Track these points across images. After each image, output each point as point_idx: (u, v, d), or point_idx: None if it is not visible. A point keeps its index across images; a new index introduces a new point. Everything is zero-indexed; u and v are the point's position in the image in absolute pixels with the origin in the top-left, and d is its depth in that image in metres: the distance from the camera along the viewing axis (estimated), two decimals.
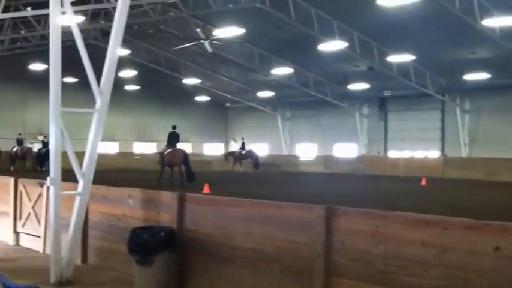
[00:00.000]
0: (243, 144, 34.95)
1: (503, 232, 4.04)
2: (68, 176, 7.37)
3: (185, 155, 20.72)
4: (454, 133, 34.34)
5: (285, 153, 43.42)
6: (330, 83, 36.37)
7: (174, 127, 21.86)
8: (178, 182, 20.05)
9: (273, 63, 33.46)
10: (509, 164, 28.94)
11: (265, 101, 43.71)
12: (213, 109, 47.52)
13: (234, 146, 48.74)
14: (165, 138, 22.15)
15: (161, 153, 21.84)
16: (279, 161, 39.39)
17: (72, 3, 7.31)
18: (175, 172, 20.97)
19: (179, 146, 21.83)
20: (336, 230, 4.95)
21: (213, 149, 48.00)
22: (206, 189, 17.77)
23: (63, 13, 7.17)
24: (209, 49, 26.52)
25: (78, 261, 7.70)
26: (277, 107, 44.37)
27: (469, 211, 13.23)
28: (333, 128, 40.11)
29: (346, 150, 39.90)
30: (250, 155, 34.96)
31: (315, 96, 37.13)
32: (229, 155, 35.12)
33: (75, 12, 9.20)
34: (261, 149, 45.89)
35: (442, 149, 35.37)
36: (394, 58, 28.71)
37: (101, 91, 7.05)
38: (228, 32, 26.81)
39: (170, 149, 21.20)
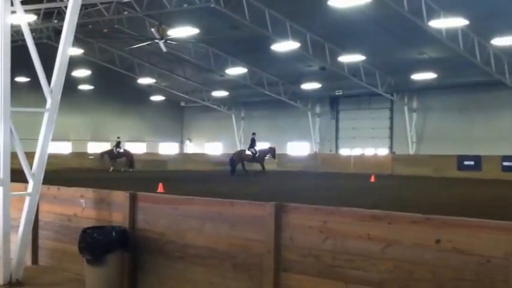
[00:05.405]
0: (119, 143, 34.78)
1: (443, 225, 4.19)
2: (20, 176, 7.27)
3: None
4: (402, 131, 35.22)
5: None
6: (284, 82, 36.70)
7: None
8: None
9: (228, 63, 33.51)
10: (455, 160, 29.97)
11: (220, 101, 43.73)
12: (169, 109, 47.20)
13: (190, 146, 48.60)
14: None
15: None
16: None
17: (23, 2, 7.20)
18: None
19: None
20: (286, 226, 5.04)
21: (168, 149, 47.72)
22: (160, 188, 17.71)
23: (14, 12, 7.05)
24: (164, 49, 26.36)
25: (29, 263, 7.59)
26: (231, 106, 44.45)
27: (415, 206, 13.66)
28: (286, 127, 40.50)
29: (299, 149, 40.35)
30: (125, 154, 34.84)
31: (269, 95, 37.39)
32: (105, 153, 34.83)
33: (27, 11, 9.03)
34: (215, 148, 45.97)
35: (391, 147, 36.22)
36: (345, 58, 29.22)
37: (52, 90, 6.97)
38: (183, 32, 26.74)
39: None
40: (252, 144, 30.13)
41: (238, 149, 43.89)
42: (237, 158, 30.08)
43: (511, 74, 27.71)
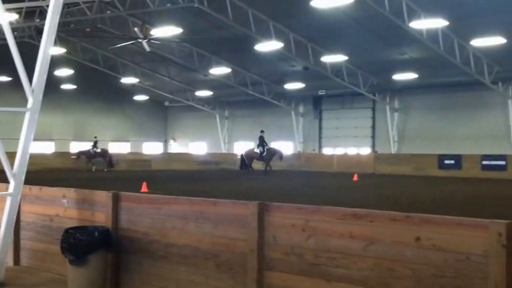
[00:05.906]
0: (96, 142, 34.61)
1: (423, 223, 4.25)
2: (1, 176, 7.22)
3: None
4: (384, 130, 35.52)
5: (224, 151, 43.55)
6: (267, 82, 36.77)
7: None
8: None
9: (212, 62, 33.49)
10: (436, 159, 30.30)
11: (204, 100, 43.70)
12: (153, 108, 47.05)
13: (174, 146, 48.45)
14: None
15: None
16: (217, 158, 39.50)
17: (4, 1, 7.14)
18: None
19: None
20: (269, 225, 5.07)
21: (153, 148, 47.56)
22: (144, 188, 17.66)
23: None
24: (147, 48, 26.27)
25: (11, 263, 7.54)
26: (215, 106, 44.44)
27: (396, 204, 13.80)
28: (270, 126, 40.44)
29: (283, 148, 40.39)
30: (102, 153, 34.56)
31: (253, 95, 37.45)
32: (82, 153, 34.63)
33: (8, 9, 8.96)
34: (199, 148, 45.91)
35: (373, 146, 36.49)
36: (328, 58, 29.36)
37: (33, 90, 6.93)
38: (166, 31, 26.66)
39: None
40: (261, 142, 30.59)
41: (222, 148, 44.07)
42: (247, 156, 30.85)
43: (490, 74, 28.08)
